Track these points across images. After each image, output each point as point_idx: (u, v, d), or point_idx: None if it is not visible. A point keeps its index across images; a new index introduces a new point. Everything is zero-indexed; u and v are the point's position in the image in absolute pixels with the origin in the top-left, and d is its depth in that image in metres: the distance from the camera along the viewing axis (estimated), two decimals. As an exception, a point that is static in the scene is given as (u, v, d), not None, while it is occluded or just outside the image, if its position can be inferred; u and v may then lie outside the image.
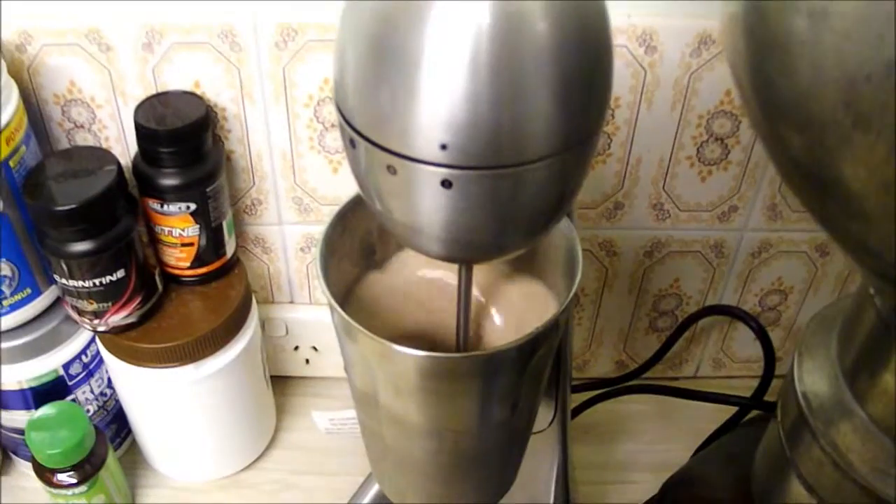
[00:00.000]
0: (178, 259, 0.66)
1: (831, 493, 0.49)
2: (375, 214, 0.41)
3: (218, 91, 0.64)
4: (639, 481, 0.77)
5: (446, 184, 0.36)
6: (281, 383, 0.82)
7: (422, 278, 0.53)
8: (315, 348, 0.79)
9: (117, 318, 0.63)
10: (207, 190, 0.63)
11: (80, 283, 0.60)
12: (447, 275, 0.53)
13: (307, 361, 0.80)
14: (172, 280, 0.68)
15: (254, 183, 0.69)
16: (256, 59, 0.62)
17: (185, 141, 0.61)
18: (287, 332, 0.78)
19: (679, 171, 0.69)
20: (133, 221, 0.61)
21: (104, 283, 0.61)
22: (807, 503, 0.52)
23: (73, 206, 0.57)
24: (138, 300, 0.64)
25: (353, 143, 0.38)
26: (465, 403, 0.47)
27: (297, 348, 0.79)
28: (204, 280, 0.68)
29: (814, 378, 0.51)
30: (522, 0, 0.33)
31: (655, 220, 0.72)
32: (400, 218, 0.40)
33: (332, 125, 0.66)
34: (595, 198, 0.70)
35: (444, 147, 0.35)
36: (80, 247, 0.59)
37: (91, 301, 0.62)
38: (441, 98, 0.34)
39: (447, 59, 0.33)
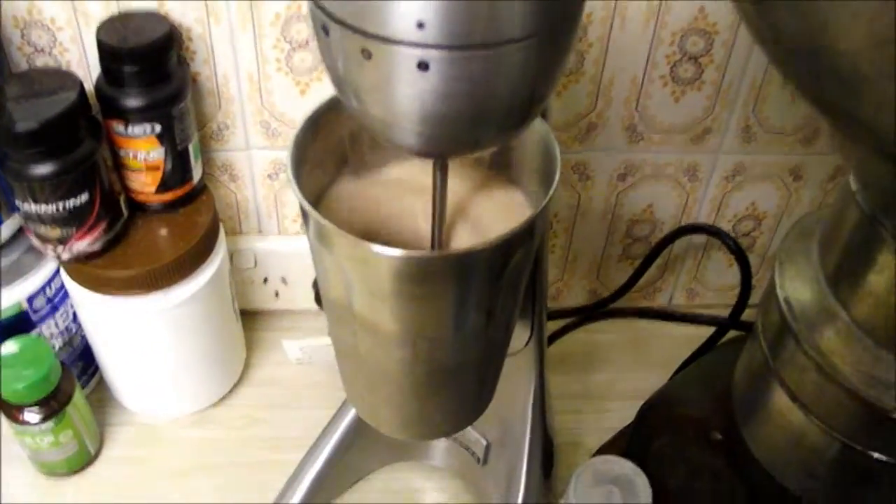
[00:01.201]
0: (144, 184, 0.64)
1: (814, 398, 0.49)
2: (349, 110, 0.40)
3: (182, 11, 0.62)
4: (615, 409, 0.76)
5: (423, 66, 0.35)
6: (250, 317, 0.81)
7: (395, 182, 0.52)
8: (284, 280, 0.78)
9: (82, 245, 0.62)
10: (172, 111, 0.61)
11: (43, 207, 0.59)
12: (422, 179, 0.52)
13: (276, 294, 0.79)
14: (138, 207, 0.66)
15: (220, 107, 0.67)
16: (221, -26, 0.60)
17: (149, 59, 0.59)
18: (256, 264, 0.76)
19: (652, 90, 0.68)
20: (96, 143, 0.59)
21: (68, 207, 0.59)
22: (791, 412, 0.51)
23: (34, 126, 0.56)
24: (103, 226, 0.62)
25: (325, 30, 0.37)
26: (439, 307, 0.46)
27: (266, 280, 0.78)
28: (170, 206, 0.66)
29: (796, 285, 0.51)
30: None
31: (628, 142, 0.71)
32: (375, 110, 0.38)
33: (300, 45, 0.64)
34: (567, 118, 0.69)
35: (420, 25, 0.34)
36: (42, 169, 0.57)
37: (55, 227, 0.60)
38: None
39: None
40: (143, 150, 0.62)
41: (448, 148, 0.42)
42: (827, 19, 0.31)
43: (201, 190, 0.68)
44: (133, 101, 0.60)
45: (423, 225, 0.49)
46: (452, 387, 0.53)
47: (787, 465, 0.54)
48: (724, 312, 0.74)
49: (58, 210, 0.59)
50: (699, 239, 0.78)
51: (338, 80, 0.39)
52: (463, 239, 0.52)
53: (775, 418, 0.54)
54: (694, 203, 0.76)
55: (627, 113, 0.69)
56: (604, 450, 0.74)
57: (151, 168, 0.63)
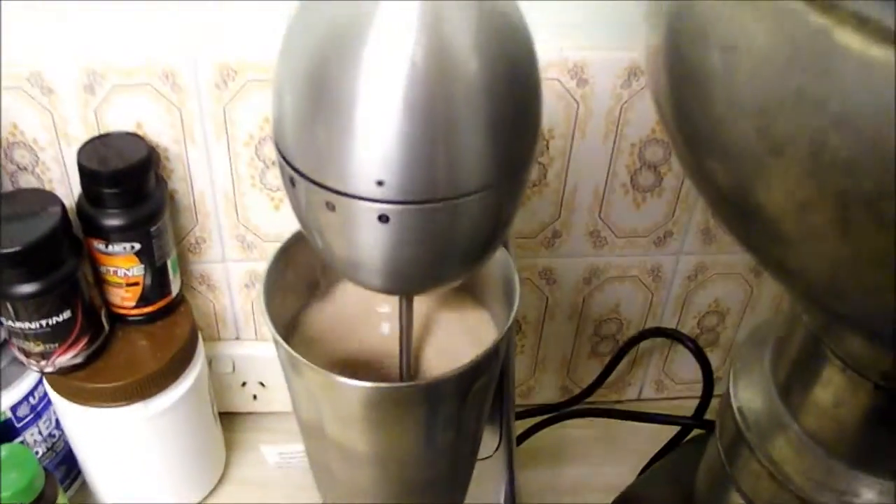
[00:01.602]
0: (124, 299, 0.66)
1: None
2: (316, 250, 0.43)
3: (160, 131, 0.65)
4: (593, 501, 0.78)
5: (383, 218, 0.37)
6: (229, 420, 0.82)
7: (364, 308, 0.54)
8: (262, 384, 0.80)
9: (64, 359, 0.64)
10: (151, 229, 0.63)
11: (27, 324, 0.61)
12: (389, 304, 0.54)
13: (255, 397, 0.81)
14: (118, 319, 0.68)
15: (197, 221, 0.70)
16: (197, 99, 0.63)
17: (128, 181, 0.62)
18: (234, 369, 0.78)
19: (614, 198, 0.71)
20: (78, 262, 0.61)
21: (51, 324, 0.61)
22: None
23: (18, 248, 0.58)
24: (85, 341, 0.64)
25: (292, 182, 0.39)
26: (408, 431, 0.48)
27: (244, 384, 0.80)
28: (150, 319, 0.68)
29: (749, 394, 0.53)
30: (452, 38, 0.34)
31: (593, 247, 0.74)
32: (340, 253, 0.41)
33: (273, 163, 0.67)
34: (533, 227, 0.72)
35: (380, 183, 0.36)
36: (26, 288, 0.59)
37: (38, 342, 0.62)
38: (376, 136, 0.35)
39: (380, 97, 0.34)
40: (123, 267, 0.64)
41: (410, 287, 0.44)
42: (754, 178, 0.34)
43: (180, 302, 0.70)
44: (113, 221, 0.62)
45: (392, 347, 0.51)
46: (426, 499, 0.55)
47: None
48: (693, 403, 0.76)
49: (41, 327, 0.61)
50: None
51: (305, 225, 0.42)
52: (431, 361, 0.54)
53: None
54: (659, 301, 0.79)
55: (591, 220, 0.72)
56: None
57: (131, 283, 0.65)
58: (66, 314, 0.61)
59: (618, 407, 0.80)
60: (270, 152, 0.66)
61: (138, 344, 0.67)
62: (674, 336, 0.71)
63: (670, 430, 0.77)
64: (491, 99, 0.36)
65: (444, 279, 0.43)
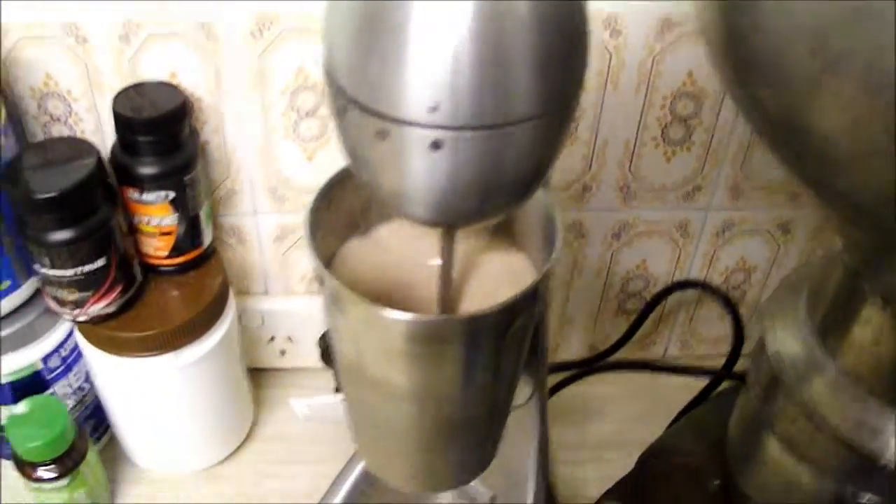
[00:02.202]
0: (157, 248, 0.66)
1: (806, 446, 0.52)
2: (362, 183, 0.43)
3: (194, 82, 0.65)
4: (614, 459, 0.78)
5: (436, 145, 0.37)
6: (257, 375, 0.82)
7: (402, 247, 0.54)
8: (290, 339, 0.80)
9: (98, 308, 0.64)
10: (185, 178, 0.64)
11: (62, 272, 0.61)
12: (428, 249, 0.54)
13: (282, 353, 0.81)
14: (150, 270, 0.68)
15: (229, 174, 0.70)
16: (232, 48, 0.63)
17: (163, 129, 0.62)
18: (262, 323, 0.78)
19: (644, 152, 0.71)
20: (112, 210, 0.62)
21: (85, 271, 0.61)
22: (784, 459, 0.54)
23: (54, 194, 0.58)
24: (119, 289, 0.64)
25: (344, 111, 0.39)
26: (448, 367, 0.48)
27: (272, 339, 0.80)
28: (182, 269, 0.68)
29: (785, 338, 0.53)
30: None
31: (622, 202, 0.74)
32: (388, 185, 0.41)
33: (307, 114, 0.67)
34: (563, 180, 0.72)
35: (433, 109, 0.36)
36: (61, 235, 0.59)
37: (72, 290, 0.62)
38: (430, 61, 0.35)
39: (436, 23, 0.35)
40: (156, 216, 0.64)
41: (457, 219, 0.44)
42: (806, 100, 0.34)
43: (211, 254, 0.70)
44: (148, 170, 0.62)
45: (427, 289, 0.52)
46: (460, 441, 0.55)
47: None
48: (718, 363, 0.76)
49: (76, 274, 0.61)
50: (691, 293, 0.81)
51: (353, 156, 0.42)
52: (469, 302, 0.54)
53: (769, 466, 0.56)
54: (686, 258, 0.79)
55: (621, 174, 0.72)
56: (605, 499, 0.76)
57: (165, 233, 0.66)
58: (101, 262, 0.62)
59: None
60: (304, 102, 0.66)
61: (170, 294, 0.68)
62: (704, 287, 0.71)
63: (695, 388, 0.77)
64: (542, 25, 0.36)
65: (490, 212, 0.43)
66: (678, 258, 0.78)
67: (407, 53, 0.35)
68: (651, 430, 0.73)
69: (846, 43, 0.31)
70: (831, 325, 0.51)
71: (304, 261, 0.76)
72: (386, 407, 0.52)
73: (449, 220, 0.44)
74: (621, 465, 0.75)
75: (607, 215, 0.75)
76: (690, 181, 0.73)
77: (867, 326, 0.48)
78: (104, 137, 0.67)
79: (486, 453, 0.59)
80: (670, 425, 0.75)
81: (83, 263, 0.61)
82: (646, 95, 0.68)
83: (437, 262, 0.51)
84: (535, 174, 0.42)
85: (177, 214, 0.65)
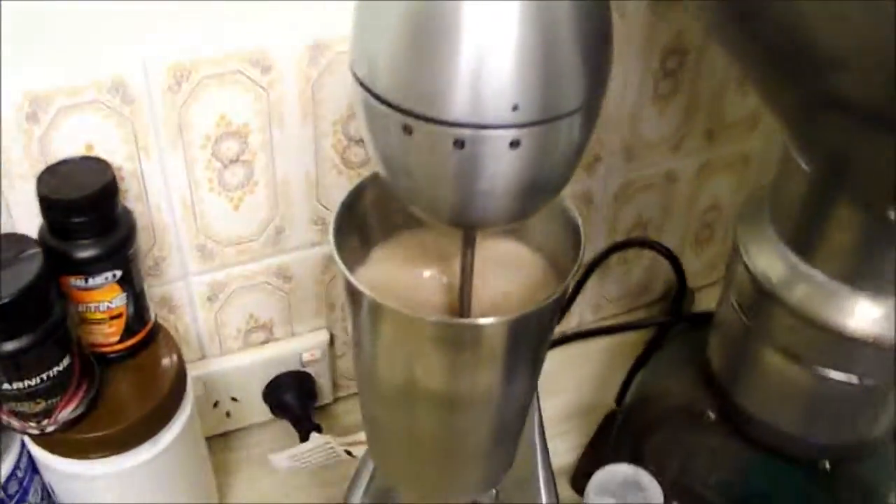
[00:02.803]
0: (108, 335, 0.61)
1: (802, 345, 0.56)
2: (396, 193, 0.43)
3: (112, 150, 0.60)
4: (573, 429, 0.81)
5: (515, 143, 0.38)
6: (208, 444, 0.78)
7: (415, 261, 0.53)
8: (235, 399, 0.76)
9: (67, 413, 0.58)
10: (128, 253, 0.59)
11: (26, 382, 0.55)
12: (437, 265, 0.53)
13: (228, 414, 0.77)
14: (101, 359, 0.63)
15: (155, 239, 0.66)
16: (150, 107, 0.59)
17: (99, 206, 0.57)
18: (205, 389, 0.74)
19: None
20: (65, 302, 0.57)
21: (52, 375, 0.56)
22: (784, 366, 0.57)
23: (7, 299, 0.53)
24: (84, 388, 0.59)
25: (408, 130, 0.38)
26: (485, 371, 0.48)
27: (216, 404, 0.76)
28: (134, 352, 0.63)
29: (762, 256, 0.57)
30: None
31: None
32: (454, 194, 0.41)
33: (231, 161, 0.64)
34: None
35: (515, 108, 0.37)
36: (22, 342, 0.54)
37: (39, 400, 0.57)
38: (502, 62, 0.35)
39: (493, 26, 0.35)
40: (105, 300, 0.60)
41: (507, 218, 0.44)
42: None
43: (158, 327, 0.66)
44: (89, 252, 0.57)
45: (432, 300, 0.52)
46: (490, 445, 0.55)
47: (787, 413, 0.60)
48: (634, 316, 0.79)
49: (42, 381, 0.56)
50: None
51: (405, 172, 0.41)
52: (485, 302, 0.54)
53: (769, 377, 0.59)
54: (590, 226, 0.82)
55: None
56: (580, 467, 0.78)
57: (115, 316, 0.61)
58: (66, 361, 0.57)
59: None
60: (228, 150, 0.63)
61: (127, 382, 0.63)
62: (646, 244, 0.74)
63: (626, 344, 0.81)
64: (584, 19, 0.37)
65: (533, 208, 0.44)
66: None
67: (477, 60, 0.35)
68: (604, 395, 0.76)
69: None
70: (804, 235, 0.55)
71: (238, 315, 0.73)
72: (425, 418, 0.51)
73: (497, 220, 0.45)
74: (583, 432, 0.77)
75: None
76: (591, 151, 0.76)
77: (844, 230, 0.52)
78: (15, 226, 0.61)
79: (510, 455, 0.59)
80: (624, 384, 0.78)
81: (49, 367, 0.56)
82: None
83: (430, 273, 0.53)
84: (572, 170, 0.43)
85: (125, 294, 0.60)
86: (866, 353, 0.54)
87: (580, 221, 0.49)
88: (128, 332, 0.62)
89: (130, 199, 0.63)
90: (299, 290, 0.74)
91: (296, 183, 0.68)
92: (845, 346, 0.54)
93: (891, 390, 0.56)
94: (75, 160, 0.59)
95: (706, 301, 0.86)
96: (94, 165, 0.59)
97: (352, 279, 0.45)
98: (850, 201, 0.51)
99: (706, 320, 0.67)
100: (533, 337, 0.49)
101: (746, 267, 0.57)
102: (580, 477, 0.77)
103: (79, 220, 0.57)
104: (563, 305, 0.51)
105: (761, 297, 0.57)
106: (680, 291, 0.73)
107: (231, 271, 0.70)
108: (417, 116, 0.37)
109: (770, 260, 0.57)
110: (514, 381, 0.51)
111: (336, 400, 0.82)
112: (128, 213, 0.60)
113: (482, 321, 0.45)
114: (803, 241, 0.55)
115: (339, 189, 0.70)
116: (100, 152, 0.60)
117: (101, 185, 0.57)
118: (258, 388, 0.76)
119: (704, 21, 0.51)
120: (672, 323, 0.74)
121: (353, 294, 0.46)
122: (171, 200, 0.64)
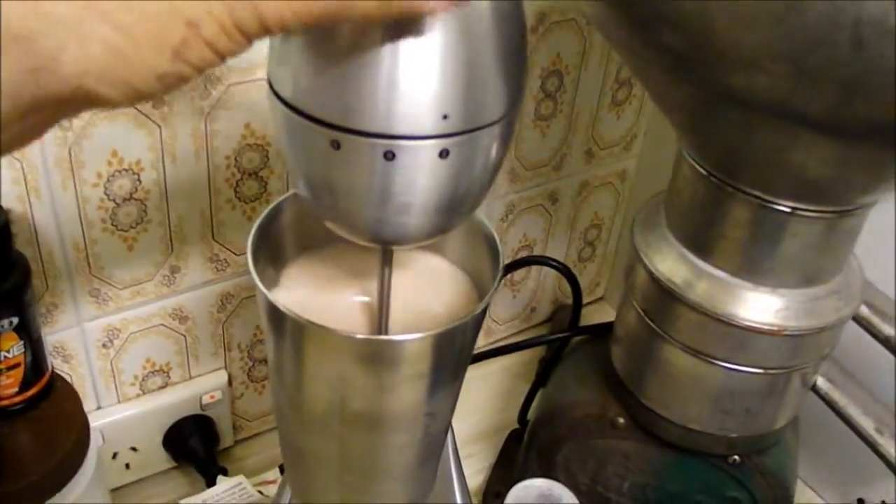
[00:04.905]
0: (5, 387, 0.58)
1: (708, 342, 0.58)
2: (316, 212, 0.43)
3: (2, 192, 0.58)
4: (477, 452, 0.81)
5: (444, 153, 0.39)
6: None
7: (331, 279, 0.53)
8: (134, 448, 0.74)
9: (-34, 473, 0.56)
10: (25, 298, 0.57)
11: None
12: (356, 287, 0.53)
13: (127, 466, 0.74)
14: (-1, 415, 0.60)
15: (47, 286, 0.63)
16: (38, 145, 0.58)
17: (-8, 251, 0.55)
18: (104, 441, 0.71)
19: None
20: (-38, 354, 0.54)
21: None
22: (692, 365, 0.60)
23: None
24: (-17, 444, 0.56)
25: (336, 145, 0.39)
26: (408, 387, 0.48)
27: (115, 456, 0.73)
28: (33, 404, 0.60)
29: (663, 259, 0.59)
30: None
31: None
32: (374, 210, 0.41)
33: (125, 199, 0.62)
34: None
35: (446, 117, 0.37)
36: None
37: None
38: (431, 75, 0.36)
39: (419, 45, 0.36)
40: (2, 350, 0.57)
41: (423, 234, 0.44)
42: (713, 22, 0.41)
43: (55, 377, 0.63)
44: (-16, 299, 0.55)
45: (348, 320, 0.52)
46: (432, 462, 0.55)
47: (697, 410, 0.62)
48: (523, 336, 0.81)
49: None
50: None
51: (328, 188, 0.41)
52: (402, 315, 0.54)
53: (675, 374, 0.62)
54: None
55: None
56: (489, 488, 0.79)
57: (13, 366, 0.58)
58: (-34, 419, 0.54)
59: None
60: (121, 188, 0.62)
61: (31, 435, 0.60)
62: (545, 263, 0.75)
63: (520, 364, 0.82)
64: (504, 30, 0.39)
65: (451, 224, 0.44)
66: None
67: (404, 74, 0.36)
68: (505, 416, 0.77)
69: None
70: (702, 233, 0.58)
71: (135, 360, 0.71)
72: (351, 440, 0.51)
73: (426, 235, 0.45)
74: (486, 454, 0.78)
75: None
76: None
77: (742, 228, 0.55)
78: None
79: (434, 475, 0.59)
80: (526, 402, 0.79)
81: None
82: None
83: (348, 292, 0.53)
84: (491, 183, 0.44)
85: (23, 342, 0.57)
86: (769, 343, 0.57)
87: (496, 234, 0.50)
88: (26, 384, 0.59)
89: (20, 243, 0.61)
90: (196, 330, 0.72)
91: (189, 219, 0.67)
92: (748, 339, 0.57)
93: (792, 378, 0.59)
94: (-38, 204, 0.57)
95: (592, 318, 0.88)
96: (-17, 208, 0.56)
97: (273, 300, 0.45)
98: (745, 198, 0.53)
99: (606, 330, 0.69)
100: (456, 352, 0.49)
101: (649, 272, 0.59)
102: (491, 497, 0.78)
103: (-31, 267, 0.54)
104: (483, 318, 0.51)
105: (665, 300, 0.59)
106: (577, 303, 0.74)
107: (126, 315, 0.68)
108: (347, 130, 0.38)
109: (671, 263, 0.59)
110: (438, 397, 0.51)
111: (237, 443, 0.80)
112: (22, 257, 0.58)
113: (406, 337, 0.45)
114: (702, 241, 0.57)
115: (233, 225, 0.69)
116: (-13, 195, 0.58)
117: (-7, 230, 0.55)
118: (158, 435, 0.74)
119: (597, 21, 0.53)
120: (573, 335, 0.76)
121: (275, 316, 0.45)
122: (62, 243, 0.62)
